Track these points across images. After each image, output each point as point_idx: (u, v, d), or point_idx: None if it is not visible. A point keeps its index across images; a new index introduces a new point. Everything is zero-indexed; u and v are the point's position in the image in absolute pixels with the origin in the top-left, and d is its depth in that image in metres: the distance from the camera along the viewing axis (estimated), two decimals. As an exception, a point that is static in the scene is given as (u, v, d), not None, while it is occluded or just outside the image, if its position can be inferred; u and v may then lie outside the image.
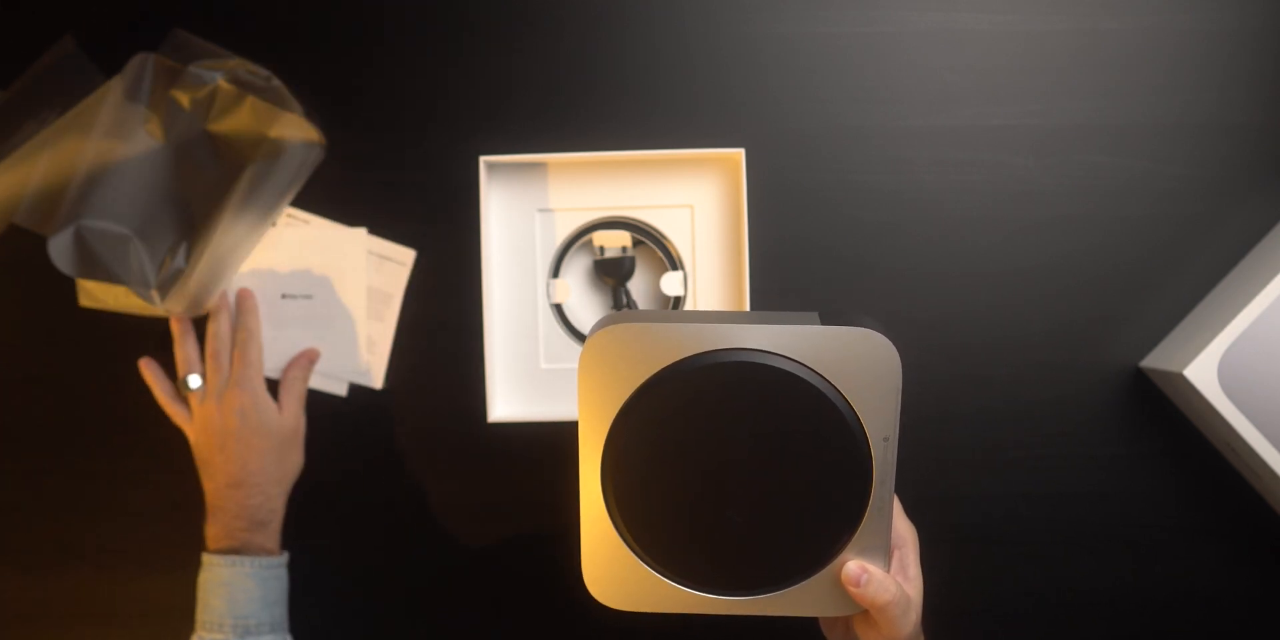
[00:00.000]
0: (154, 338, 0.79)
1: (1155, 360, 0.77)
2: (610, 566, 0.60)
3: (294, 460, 0.78)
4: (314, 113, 0.78)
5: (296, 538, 0.79)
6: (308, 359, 0.78)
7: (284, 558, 0.76)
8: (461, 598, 0.80)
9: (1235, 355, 0.69)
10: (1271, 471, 0.70)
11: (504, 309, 0.78)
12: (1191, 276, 0.78)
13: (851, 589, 0.59)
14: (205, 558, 0.74)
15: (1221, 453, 0.78)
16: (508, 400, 0.78)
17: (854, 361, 0.57)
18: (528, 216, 0.78)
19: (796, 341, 0.57)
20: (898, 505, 0.65)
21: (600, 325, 0.58)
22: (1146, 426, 0.79)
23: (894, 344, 0.56)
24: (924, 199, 0.79)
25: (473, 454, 0.79)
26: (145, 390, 0.79)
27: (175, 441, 0.79)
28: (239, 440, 0.75)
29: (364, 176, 0.79)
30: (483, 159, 0.75)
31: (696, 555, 0.60)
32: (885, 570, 0.60)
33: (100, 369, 0.80)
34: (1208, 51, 0.78)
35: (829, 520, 0.59)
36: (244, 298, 0.78)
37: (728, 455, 0.58)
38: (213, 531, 0.75)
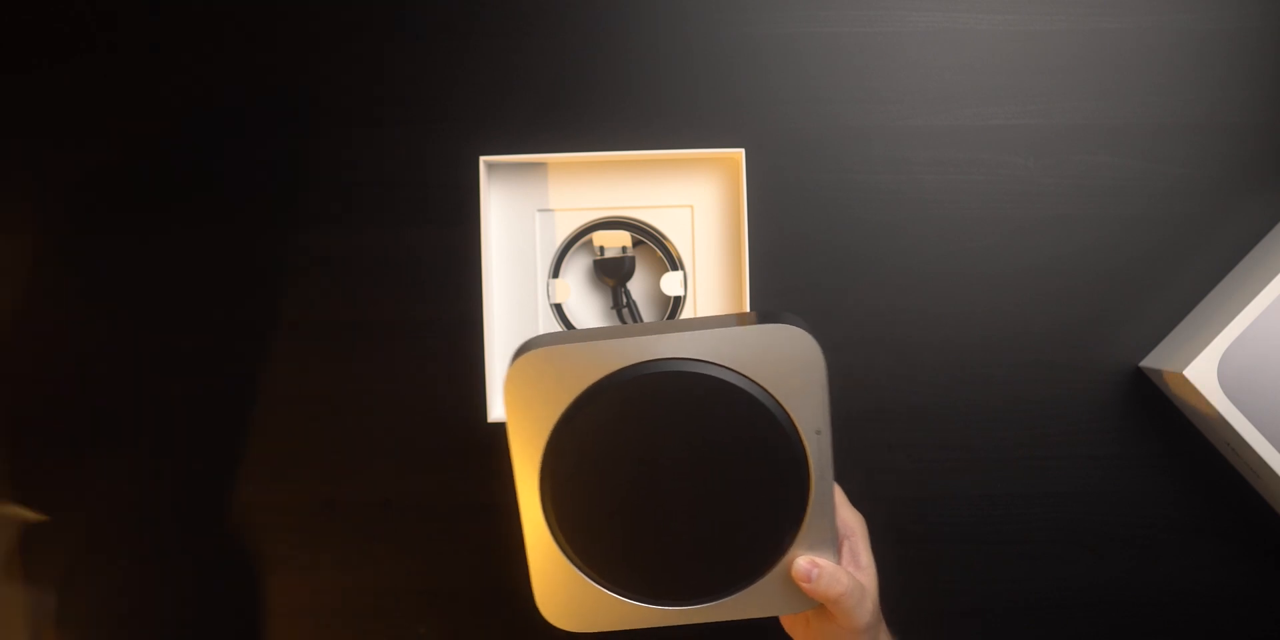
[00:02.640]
0: (152, 339, 0.80)
1: (1155, 360, 0.77)
2: (561, 589, 0.60)
3: None
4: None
5: (296, 538, 0.79)
6: None
7: None
8: (461, 598, 0.80)
9: (1235, 355, 0.69)
10: (1271, 471, 0.70)
11: (504, 309, 0.78)
12: (1191, 276, 0.78)
13: (803, 585, 0.59)
14: None
15: (1221, 453, 0.78)
16: (508, 400, 0.78)
17: (776, 358, 0.57)
18: (528, 216, 0.78)
19: (716, 344, 0.57)
20: (843, 495, 0.65)
21: (518, 352, 0.58)
22: (1146, 426, 0.79)
23: (815, 336, 0.57)
24: (924, 199, 0.79)
25: (473, 454, 0.79)
26: (146, 392, 0.79)
27: (177, 442, 0.79)
28: None
29: (364, 176, 0.79)
30: (483, 159, 0.75)
31: (645, 568, 0.60)
32: (835, 562, 0.60)
33: (101, 369, 0.80)
34: (1208, 51, 0.78)
35: (773, 519, 0.59)
36: None
37: (664, 466, 0.58)
38: None
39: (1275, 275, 0.69)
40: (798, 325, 0.57)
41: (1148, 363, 0.78)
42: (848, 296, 0.79)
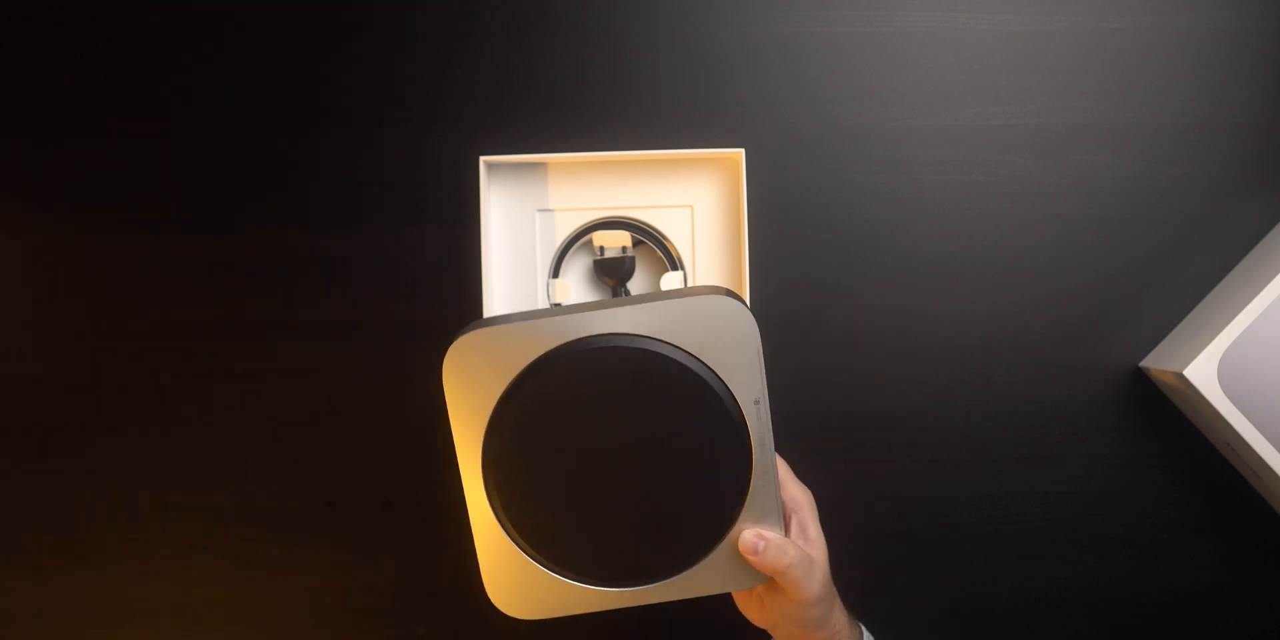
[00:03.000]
0: (152, 339, 0.80)
1: (1155, 360, 0.77)
2: (510, 576, 0.60)
3: None
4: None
5: (296, 538, 0.79)
6: None
7: None
8: (461, 598, 0.80)
9: (1235, 355, 0.69)
10: (1271, 471, 0.70)
11: (504, 309, 0.78)
12: (1191, 276, 0.78)
13: (750, 557, 0.59)
14: None
15: (1221, 453, 0.78)
16: (508, 400, 0.78)
17: (710, 329, 0.57)
18: (528, 216, 0.78)
19: (650, 319, 0.57)
20: (788, 470, 0.65)
21: (456, 335, 0.58)
22: (1146, 426, 0.79)
23: (746, 305, 0.57)
24: (924, 199, 0.79)
25: (473, 454, 0.79)
26: (146, 392, 0.79)
27: (177, 442, 0.79)
28: None
29: (364, 176, 0.79)
30: (483, 159, 0.75)
31: (592, 550, 0.59)
32: (782, 534, 0.60)
33: (101, 369, 0.80)
34: (1208, 51, 0.78)
35: (717, 493, 0.59)
36: None
37: (605, 444, 0.58)
38: None
39: (1275, 275, 0.69)
40: (731, 296, 0.57)
41: (1148, 363, 0.78)
42: (847, 296, 0.79)
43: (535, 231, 0.78)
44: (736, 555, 0.60)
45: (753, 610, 0.65)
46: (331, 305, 0.79)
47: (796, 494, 0.64)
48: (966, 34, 0.78)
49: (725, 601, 0.67)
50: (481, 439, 0.58)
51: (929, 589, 0.79)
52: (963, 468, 0.79)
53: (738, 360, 0.58)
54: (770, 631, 0.65)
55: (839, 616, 0.64)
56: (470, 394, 0.57)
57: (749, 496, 0.60)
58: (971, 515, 0.79)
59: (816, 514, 0.64)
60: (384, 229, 0.79)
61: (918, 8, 0.78)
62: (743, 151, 0.74)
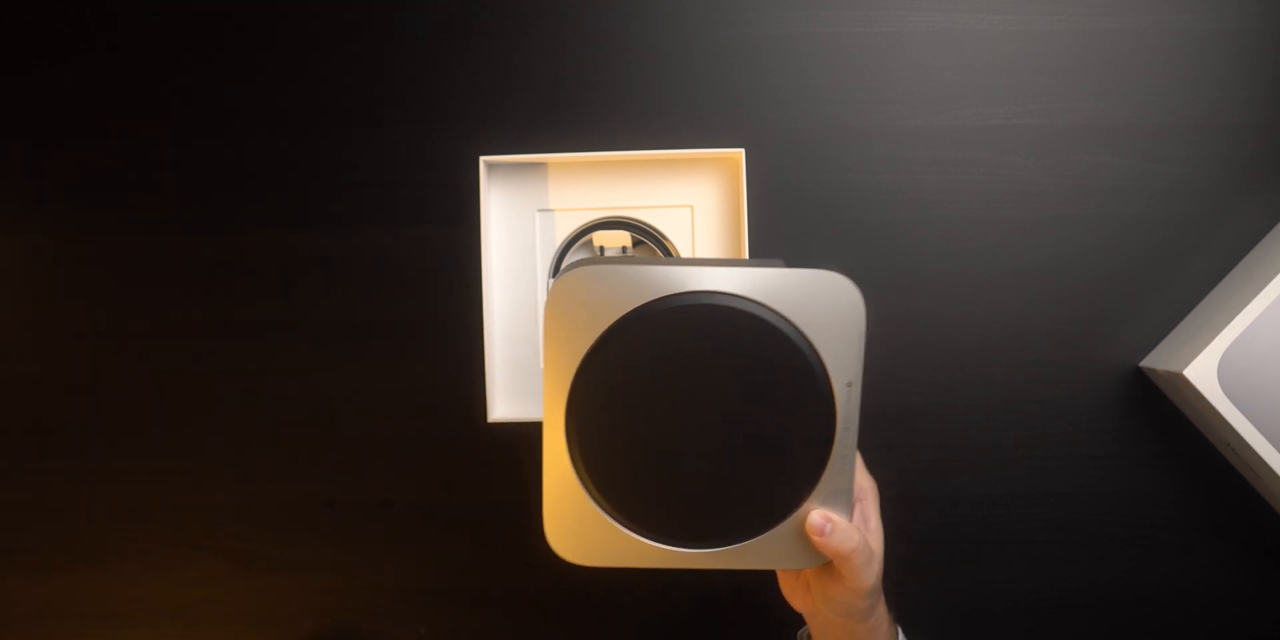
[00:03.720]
0: (152, 339, 0.80)
1: (1155, 360, 0.77)
2: (572, 519, 0.60)
3: None
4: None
5: (296, 538, 0.79)
6: None
7: None
8: (461, 598, 0.80)
9: (1235, 355, 0.69)
10: (1271, 471, 0.70)
11: (504, 309, 0.78)
12: (1191, 276, 0.78)
13: (816, 538, 0.59)
14: None
15: (1221, 453, 0.78)
16: (507, 400, 0.78)
17: (819, 305, 0.57)
18: (528, 216, 0.78)
19: (762, 284, 0.56)
20: (858, 458, 0.65)
21: (567, 268, 0.57)
22: (1146, 426, 0.79)
23: (857, 288, 0.56)
24: (924, 199, 0.79)
25: (473, 454, 0.79)
26: (146, 392, 0.79)
27: (177, 442, 0.79)
28: None
29: (364, 177, 0.79)
30: (483, 159, 0.75)
31: (660, 506, 0.59)
32: (848, 519, 0.60)
33: (101, 369, 0.80)
34: (1208, 51, 0.78)
35: (793, 469, 0.59)
36: None
37: (693, 401, 0.57)
38: None
39: (1275, 275, 0.69)
40: (846, 277, 0.57)
41: (1148, 363, 0.78)
42: (848, 296, 0.78)
43: (535, 231, 0.78)
44: (800, 533, 0.59)
45: (797, 594, 0.64)
46: (331, 305, 0.79)
47: (863, 482, 0.64)
48: (966, 34, 0.78)
49: (768, 579, 0.67)
50: (571, 379, 0.57)
51: (929, 589, 0.79)
52: (963, 468, 0.79)
53: (840, 340, 0.57)
54: (808, 617, 0.65)
55: (882, 612, 0.63)
56: (570, 330, 0.57)
57: (824, 477, 0.59)
58: (971, 515, 0.79)
59: (878, 505, 0.64)
60: (384, 229, 0.79)
61: (918, 8, 0.78)
62: (743, 151, 0.74)
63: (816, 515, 0.59)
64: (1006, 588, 0.79)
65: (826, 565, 0.60)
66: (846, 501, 0.60)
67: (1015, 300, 0.79)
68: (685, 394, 0.57)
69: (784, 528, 0.60)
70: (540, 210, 0.78)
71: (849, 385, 0.58)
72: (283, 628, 0.80)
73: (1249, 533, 0.79)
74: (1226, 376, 0.69)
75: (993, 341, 0.79)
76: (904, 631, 0.67)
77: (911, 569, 0.79)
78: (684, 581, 0.79)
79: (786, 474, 0.59)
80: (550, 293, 0.56)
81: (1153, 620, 0.79)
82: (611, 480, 0.59)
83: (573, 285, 0.56)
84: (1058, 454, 0.79)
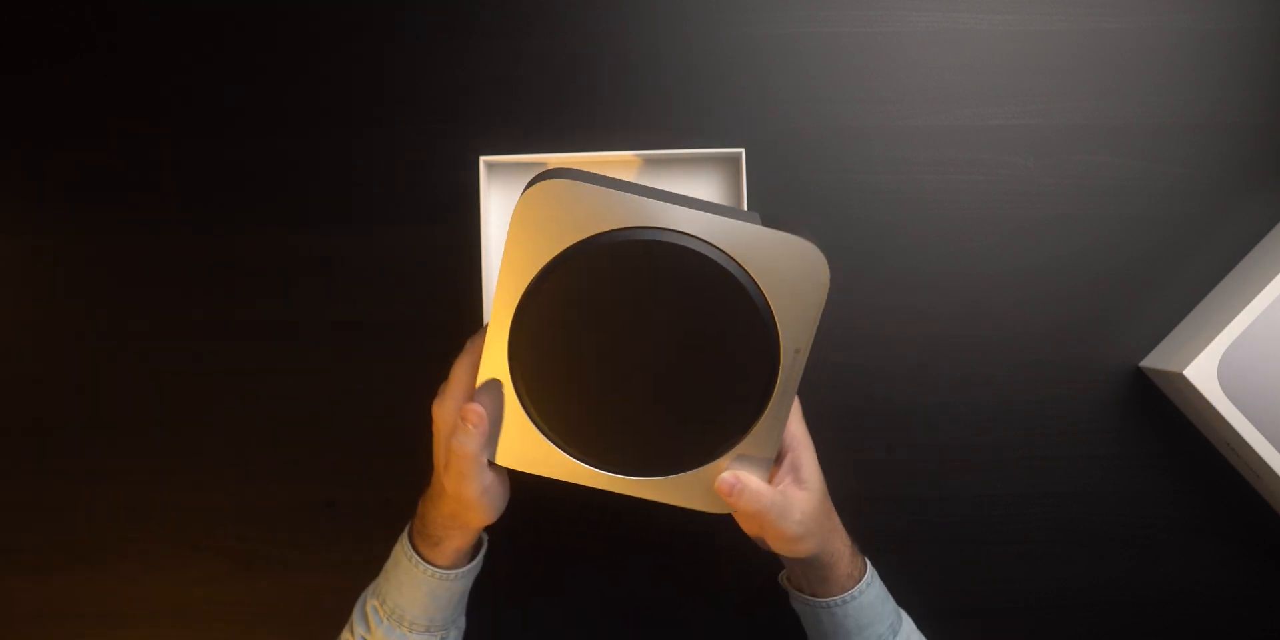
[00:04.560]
0: (152, 339, 0.80)
1: (1155, 360, 0.77)
2: (506, 424, 0.60)
3: (464, 515, 0.64)
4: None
5: (296, 538, 0.79)
6: (467, 421, 0.60)
7: (440, 570, 0.66)
8: (461, 598, 0.80)
9: (1235, 355, 0.69)
10: (1271, 471, 0.70)
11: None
12: (1191, 276, 0.78)
13: (725, 498, 0.60)
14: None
15: (1221, 453, 0.78)
16: (508, 400, 0.78)
17: (784, 267, 0.57)
18: (528, 216, 0.78)
19: (731, 234, 0.56)
20: (799, 410, 0.66)
21: (544, 176, 0.56)
22: (1146, 426, 0.79)
23: (826, 260, 0.56)
24: (924, 199, 0.79)
25: (473, 454, 0.79)
26: (146, 392, 0.79)
27: (177, 442, 0.79)
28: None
29: (364, 177, 0.79)
30: (483, 159, 0.75)
31: (587, 427, 0.60)
32: (764, 479, 0.61)
33: (101, 369, 0.80)
34: (1208, 51, 0.78)
35: (721, 421, 0.60)
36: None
37: (638, 336, 0.58)
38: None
39: (1275, 275, 0.69)
40: (818, 247, 0.57)
41: (1148, 363, 0.78)
42: (847, 296, 0.78)
43: (535, 231, 0.78)
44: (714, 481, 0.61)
45: (761, 541, 0.66)
46: (331, 305, 0.79)
47: (797, 431, 0.65)
48: (966, 34, 0.78)
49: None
50: (523, 291, 0.57)
51: (929, 589, 0.79)
52: (963, 468, 0.79)
53: (797, 306, 0.57)
54: (761, 545, 0.66)
55: (838, 550, 0.65)
56: (532, 241, 0.56)
57: (747, 437, 0.60)
58: (971, 515, 0.79)
59: (814, 453, 0.65)
60: (384, 229, 0.79)
61: (918, 8, 0.78)
62: (743, 151, 0.74)
63: (727, 476, 0.60)
64: (1006, 588, 0.79)
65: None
66: (767, 462, 0.61)
67: (1015, 300, 0.79)
68: (633, 327, 0.57)
69: (703, 472, 0.61)
70: (540, 210, 0.78)
71: (797, 352, 0.58)
72: (283, 628, 0.80)
73: (1249, 533, 0.79)
74: (1226, 376, 0.69)
75: (993, 341, 0.79)
76: (872, 565, 0.68)
77: (912, 569, 0.79)
78: (685, 534, 0.79)
79: (714, 425, 0.60)
80: (520, 200, 0.56)
81: (1153, 620, 0.79)
82: (543, 392, 0.59)
83: (543, 197, 0.55)
84: (1058, 454, 0.79)
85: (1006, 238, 0.79)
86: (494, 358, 0.59)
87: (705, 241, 0.56)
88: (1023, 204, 0.78)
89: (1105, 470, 0.79)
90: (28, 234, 0.79)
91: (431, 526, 0.66)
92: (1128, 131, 0.78)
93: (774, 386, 0.59)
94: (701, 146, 0.77)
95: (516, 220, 0.56)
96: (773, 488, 0.61)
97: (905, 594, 0.78)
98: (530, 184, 0.56)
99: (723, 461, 0.60)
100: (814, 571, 0.64)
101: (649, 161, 0.77)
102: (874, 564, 0.68)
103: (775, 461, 0.63)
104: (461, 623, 0.71)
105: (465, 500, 0.62)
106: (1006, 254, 0.79)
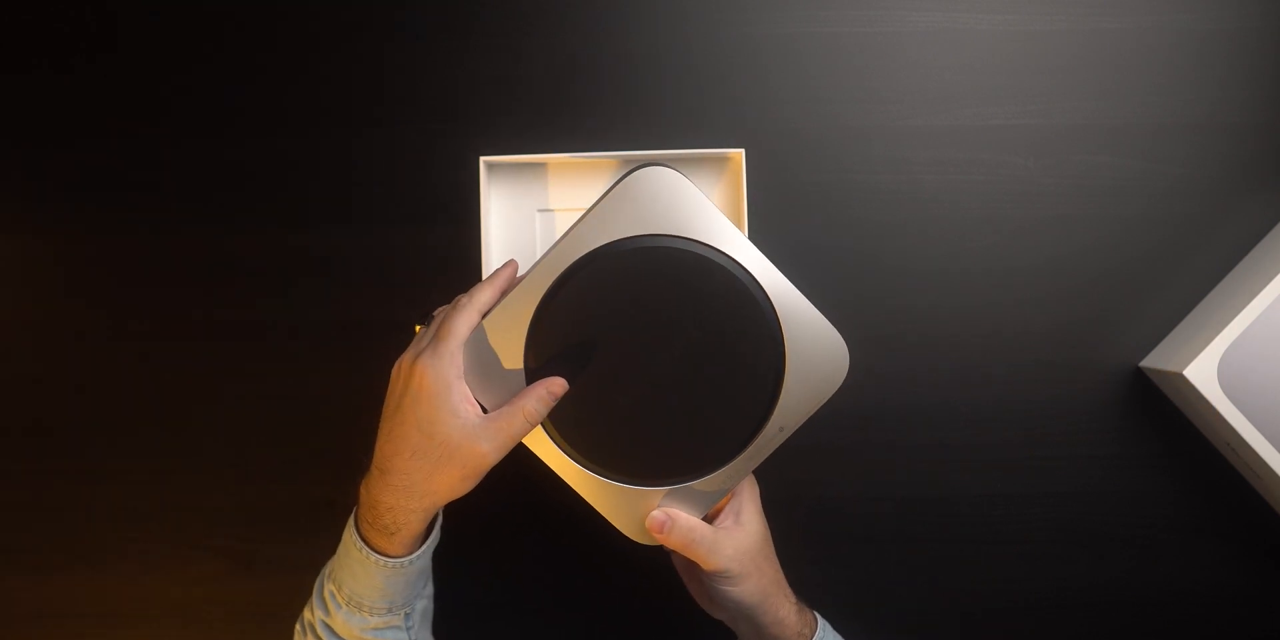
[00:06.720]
0: (152, 339, 0.80)
1: (1155, 360, 0.77)
2: (487, 370, 0.62)
3: (448, 482, 0.61)
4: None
5: (296, 538, 0.79)
6: (549, 391, 0.60)
7: (399, 560, 0.64)
8: (461, 599, 0.80)
9: (1235, 355, 0.69)
10: (1271, 471, 0.70)
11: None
12: (1191, 276, 0.78)
13: (656, 535, 0.63)
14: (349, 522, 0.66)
15: (1221, 453, 0.78)
16: (508, 400, 0.78)
17: (810, 350, 0.60)
18: (528, 216, 0.78)
19: (789, 298, 0.60)
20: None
21: (640, 165, 0.60)
22: (1146, 426, 0.79)
23: (847, 362, 0.61)
24: (924, 199, 0.79)
25: (473, 454, 0.79)
26: (146, 392, 0.79)
27: (177, 442, 0.79)
28: (402, 422, 0.60)
29: (364, 177, 0.79)
30: (483, 159, 0.75)
31: (570, 414, 0.62)
32: (700, 518, 0.63)
33: (101, 369, 0.80)
34: (1208, 51, 0.78)
35: (687, 458, 0.62)
36: (504, 266, 0.65)
37: (657, 344, 0.60)
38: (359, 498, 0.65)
39: (1275, 275, 0.69)
40: (846, 349, 0.61)
41: (1148, 363, 0.78)
42: (848, 296, 0.78)
43: (535, 231, 0.78)
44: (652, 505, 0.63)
45: (704, 600, 0.68)
46: (332, 305, 0.79)
47: (744, 482, 0.66)
48: (966, 34, 0.78)
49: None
50: (571, 263, 0.60)
51: (928, 589, 0.79)
52: (963, 468, 0.79)
53: (803, 391, 0.61)
54: (728, 625, 0.67)
55: (780, 601, 0.65)
56: (620, 217, 0.60)
57: (700, 482, 0.63)
58: (971, 515, 0.79)
59: (758, 501, 0.67)
60: (385, 229, 0.79)
61: (918, 8, 0.78)
62: (743, 151, 0.74)
63: (657, 513, 0.63)
64: (1006, 588, 0.79)
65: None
66: (707, 506, 0.63)
67: (1016, 300, 0.79)
68: (655, 334, 0.60)
69: (641, 493, 0.63)
70: (540, 210, 0.78)
71: (781, 430, 0.62)
72: (283, 628, 0.80)
73: (1249, 533, 0.79)
74: (1226, 376, 0.69)
75: (993, 341, 0.79)
76: (826, 621, 0.68)
77: (912, 569, 0.79)
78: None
79: (676, 459, 0.62)
80: (634, 176, 0.59)
81: (1153, 620, 0.79)
82: (549, 359, 0.61)
83: (651, 181, 0.60)
84: (1058, 454, 0.79)
85: (1006, 238, 0.79)
86: (518, 308, 0.61)
87: (765, 293, 0.60)
88: (1023, 204, 0.78)
89: (1105, 470, 0.79)
90: (28, 234, 0.79)
91: (387, 515, 0.62)
92: (1128, 131, 0.78)
93: (746, 447, 0.62)
94: (701, 146, 0.77)
95: (616, 195, 0.60)
96: (706, 524, 0.63)
97: (906, 594, 0.78)
98: (634, 170, 0.60)
99: (663, 491, 0.63)
100: (765, 632, 0.64)
101: (649, 161, 0.77)
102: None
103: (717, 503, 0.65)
104: (429, 591, 0.69)
105: (480, 469, 0.61)
106: (1006, 254, 0.79)
